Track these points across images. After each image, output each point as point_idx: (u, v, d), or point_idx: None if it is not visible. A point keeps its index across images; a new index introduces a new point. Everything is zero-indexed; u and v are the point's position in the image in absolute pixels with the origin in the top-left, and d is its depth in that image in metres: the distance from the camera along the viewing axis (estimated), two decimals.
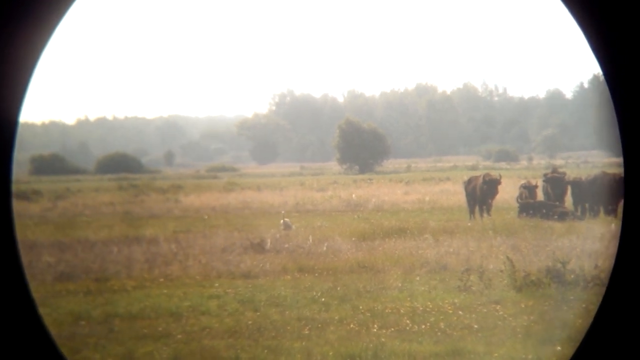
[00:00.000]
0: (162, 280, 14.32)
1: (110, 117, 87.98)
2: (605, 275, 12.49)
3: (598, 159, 58.37)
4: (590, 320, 4.71)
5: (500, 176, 23.88)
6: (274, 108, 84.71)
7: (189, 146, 78.66)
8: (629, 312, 4.36)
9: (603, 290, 11.89)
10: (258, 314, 11.62)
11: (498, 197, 23.50)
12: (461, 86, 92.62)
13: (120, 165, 51.77)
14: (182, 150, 76.06)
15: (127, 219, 24.58)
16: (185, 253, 16.74)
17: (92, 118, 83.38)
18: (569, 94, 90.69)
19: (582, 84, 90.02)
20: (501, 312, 11.13)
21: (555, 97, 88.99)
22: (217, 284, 13.82)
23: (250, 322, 11.08)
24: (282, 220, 21.14)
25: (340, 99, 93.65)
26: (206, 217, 24.98)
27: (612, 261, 4.57)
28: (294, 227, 20.61)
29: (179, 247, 17.56)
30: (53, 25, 4.44)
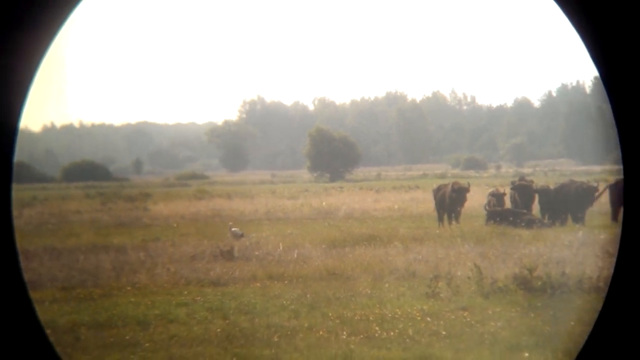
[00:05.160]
0: (129, 288, 14.15)
1: (77, 124, 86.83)
2: (572, 282, 12.68)
3: (566, 167, 59.42)
4: (590, 321, 4.74)
5: (469, 184, 24.13)
6: (244, 116, 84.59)
7: (158, 154, 78.01)
8: (630, 315, 4.39)
9: (573, 297, 12.02)
10: (227, 321, 11.55)
11: (466, 204, 23.75)
12: (430, 95, 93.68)
13: (88, 173, 51.12)
14: (151, 158, 75.39)
15: (94, 227, 24.26)
16: (154, 261, 16.57)
17: (58, 125, 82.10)
18: (537, 103, 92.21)
19: (550, 92, 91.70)
20: (469, 319, 11.21)
21: (523, 106, 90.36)
22: (185, 292, 13.70)
23: (219, 330, 11.01)
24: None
25: (311, 107, 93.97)
26: (175, 225, 24.78)
27: (613, 263, 4.59)
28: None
29: (147, 255, 17.38)
30: (54, 30, 4.50)
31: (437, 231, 21.01)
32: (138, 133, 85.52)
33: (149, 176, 62.73)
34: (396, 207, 28.45)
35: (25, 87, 4.50)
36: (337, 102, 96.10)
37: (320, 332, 10.74)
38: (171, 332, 10.95)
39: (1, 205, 4.49)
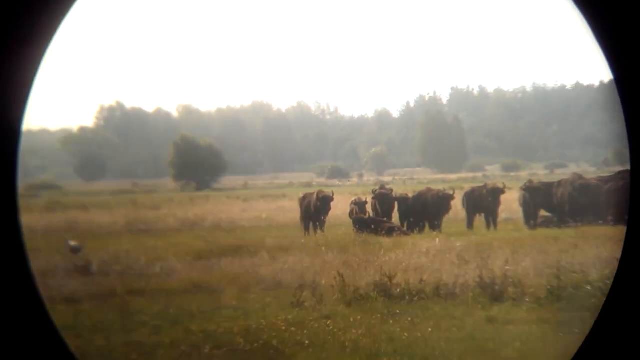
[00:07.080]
0: None
1: None
2: (430, 289, 13.19)
3: (423, 176, 62.16)
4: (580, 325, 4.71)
5: (333, 193, 24.57)
6: (102, 122, 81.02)
7: None
8: (630, 317, 4.40)
9: (430, 304, 12.42)
10: (80, 340, 10.91)
11: (331, 213, 24.15)
12: (295, 104, 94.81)
13: None
14: None
15: None
16: None
17: None
18: (396, 113, 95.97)
19: (408, 103, 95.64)
20: (332, 327, 11.35)
21: (382, 116, 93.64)
22: None
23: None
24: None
25: (175, 114, 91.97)
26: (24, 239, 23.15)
27: (616, 266, 4.58)
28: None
29: None
30: (54, 29, 4.50)
31: (303, 240, 21.17)
32: None
33: None
34: (264, 216, 28.39)
35: (27, 88, 4.26)
36: (203, 110, 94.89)
37: (182, 348, 10.44)
38: None
39: (8, 208, 4.47)
